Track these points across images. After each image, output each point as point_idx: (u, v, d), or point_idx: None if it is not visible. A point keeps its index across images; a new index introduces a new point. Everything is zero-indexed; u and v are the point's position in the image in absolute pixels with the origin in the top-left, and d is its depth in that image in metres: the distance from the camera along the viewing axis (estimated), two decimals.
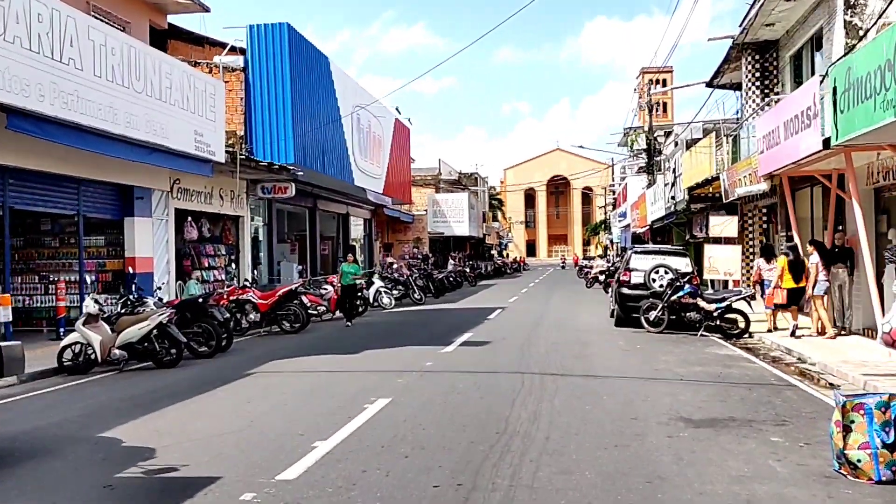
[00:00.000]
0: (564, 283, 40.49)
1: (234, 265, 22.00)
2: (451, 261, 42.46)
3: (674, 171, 27.39)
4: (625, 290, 16.85)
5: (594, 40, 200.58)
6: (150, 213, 16.92)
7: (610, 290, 21.04)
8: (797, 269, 14.96)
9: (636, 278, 16.82)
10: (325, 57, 25.62)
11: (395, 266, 29.70)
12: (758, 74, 20.48)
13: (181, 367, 11.29)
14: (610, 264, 36.85)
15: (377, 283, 24.05)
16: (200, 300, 12.50)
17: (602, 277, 32.17)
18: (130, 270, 15.49)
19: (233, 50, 22.84)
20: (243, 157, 18.17)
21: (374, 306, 23.64)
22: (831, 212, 14.44)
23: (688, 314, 15.64)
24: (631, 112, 39.43)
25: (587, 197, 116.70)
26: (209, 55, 23.95)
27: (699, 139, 25.59)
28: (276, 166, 20.36)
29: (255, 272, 24.42)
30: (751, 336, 15.32)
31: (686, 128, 29.94)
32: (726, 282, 21.56)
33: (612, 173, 60.28)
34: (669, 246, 19.21)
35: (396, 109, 31.35)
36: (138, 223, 16.42)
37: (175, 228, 18.45)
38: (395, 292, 25.46)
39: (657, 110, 49.95)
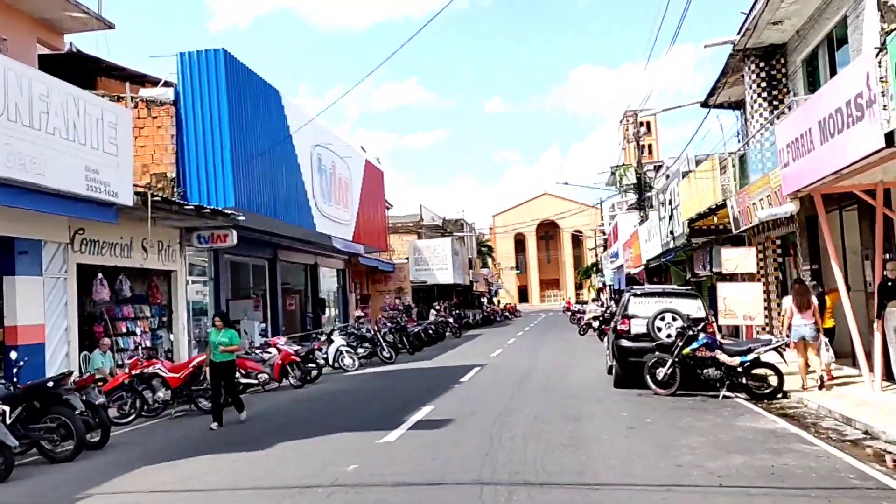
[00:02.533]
0: (556, 331, 37.30)
1: (165, 330, 18.79)
2: (432, 311, 39.26)
3: (670, 202, 24.51)
4: (624, 343, 13.73)
5: (580, 88, 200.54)
6: (39, 270, 13.80)
7: (606, 339, 17.89)
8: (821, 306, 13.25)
9: (637, 327, 13.73)
10: (275, 90, 22.82)
11: (361, 320, 26.48)
12: (763, 85, 17.72)
13: (11, 483, 8.06)
14: (604, 309, 33.71)
15: (337, 340, 20.85)
16: (50, 384, 9.30)
17: (596, 324, 29.01)
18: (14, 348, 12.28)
19: (167, 84, 20.01)
20: (158, 198, 15.14)
21: (336, 368, 20.41)
22: (879, 237, 11.43)
23: (705, 371, 12.52)
24: (617, 145, 36.79)
25: (577, 240, 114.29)
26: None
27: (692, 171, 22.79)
28: (208, 210, 17.30)
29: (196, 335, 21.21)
30: (786, 396, 12.19)
31: (679, 158, 27.15)
32: (736, 327, 18.46)
33: (601, 212, 57.57)
34: (675, 286, 16.13)
35: (362, 148, 28.55)
36: (21, 283, 13.28)
37: (82, 288, 15.33)
38: (360, 350, 22.23)
39: (644, 151, 47.52)
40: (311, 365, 17.92)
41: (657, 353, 13.16)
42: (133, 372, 12.93)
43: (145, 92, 19.89)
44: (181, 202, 16.65)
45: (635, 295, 14.26)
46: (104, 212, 14.07)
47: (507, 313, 71.21)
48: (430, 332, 30.45)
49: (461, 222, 66.24)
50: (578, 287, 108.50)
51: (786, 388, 12.34)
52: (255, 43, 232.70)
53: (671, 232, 24.59)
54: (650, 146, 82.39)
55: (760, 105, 17.67)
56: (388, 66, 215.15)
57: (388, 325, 25.49)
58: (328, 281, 34.65)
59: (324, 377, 18.73)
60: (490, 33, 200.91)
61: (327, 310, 34.12)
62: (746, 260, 14.58)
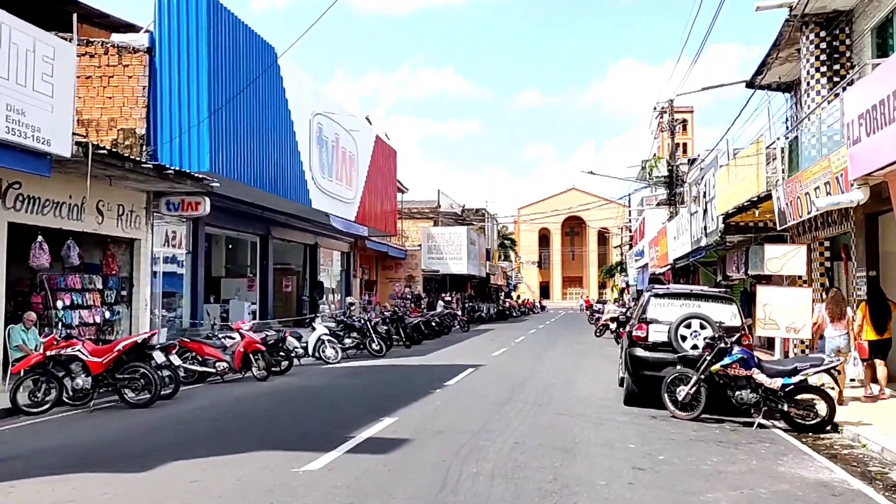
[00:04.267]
0: (571, 331, 34.84)
1: (124, 305, 16.70)
2: (440, 302, 36.95)
3: (703, 195, 21.93)
4: (639, 353, 11.32)
5: (619, 84, 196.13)
6: None
7: (621, 343, 15.46)
8: (881, 315, 11.46)
9: (657, 334, 11.31)
10: (270, 47, 20.58)
11: (353, 307, 24.26)
12: (823, 58, 15.13)
13: None
14: (624, 309, 31.17)
15: (319, 328, 18.61)
16: None
17: (613, 325, 26.53)
18: None
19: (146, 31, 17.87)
20: (104, 151, 12.94)
21: (317, 359, 18.21)
22: None
23: (738, 393, 10.09)
24: (650, 134, 34.11)
25: (603, 237, 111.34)
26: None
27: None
28: (171, 171, 15.12)
29: (166, 314, 19.14)
30: (837, 429, 9.74)
31: (716, 145, 24.47)
32: (769, 340, 15.84)
33: (629, 205, 54.77)
34: (706, 288, 13.66)
35: (367, 120, 26.25)
36: None
37: (16, 252, 13.25)
38: (347, 341, 20.00)
39: (678, 150, 44.57)
40: (280, 355, 15.73)
41: (679, 367, 10.77)
42: (48, 353, 10.78)
43: (117, 37, 17.77)
44: (136, 159, 14.47)
45: (657, 295, 11.81)
46: (34, 162, 11.88)
47: (527, 309, 68.86)
48: (434, 324, 28.14)
49: (483, 212, 63.81)
50: (602, 286, 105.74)
51: (837, 418, 9.89)
52: (294, 24, 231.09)
53: (703, 228, 22.04)
54: (685, 145, 79.38)
55: (818, 81, 15.09)
56: (426, 52, 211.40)
57: (384, 314, 23.19)
58: (331, 264, 32.52)
59: (298, 369, 16.55)
60: (531, 23, 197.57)
61: (331, 295, 32.01)
62: (795, 260, 12.09)
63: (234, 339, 14.96)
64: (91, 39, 17.35)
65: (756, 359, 10.24)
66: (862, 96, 9.33)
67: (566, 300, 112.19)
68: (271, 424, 9.46)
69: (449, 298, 42.63)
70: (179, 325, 19.64)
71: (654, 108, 32.90)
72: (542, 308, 69.91)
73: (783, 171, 15.14)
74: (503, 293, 69.60)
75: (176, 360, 12.00)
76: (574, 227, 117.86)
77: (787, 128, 18.04)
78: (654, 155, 34.56)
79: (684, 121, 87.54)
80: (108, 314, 16.15)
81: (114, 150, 13.85)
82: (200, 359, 14.40)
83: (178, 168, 15.73)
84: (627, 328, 12.76)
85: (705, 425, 9.98)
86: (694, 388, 10.34)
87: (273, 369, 15.49)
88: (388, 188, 34.01)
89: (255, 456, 7.35)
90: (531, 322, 46.83)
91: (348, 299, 26.64)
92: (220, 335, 15.36)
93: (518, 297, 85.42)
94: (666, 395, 10.57)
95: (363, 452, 7.50)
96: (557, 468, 7.08)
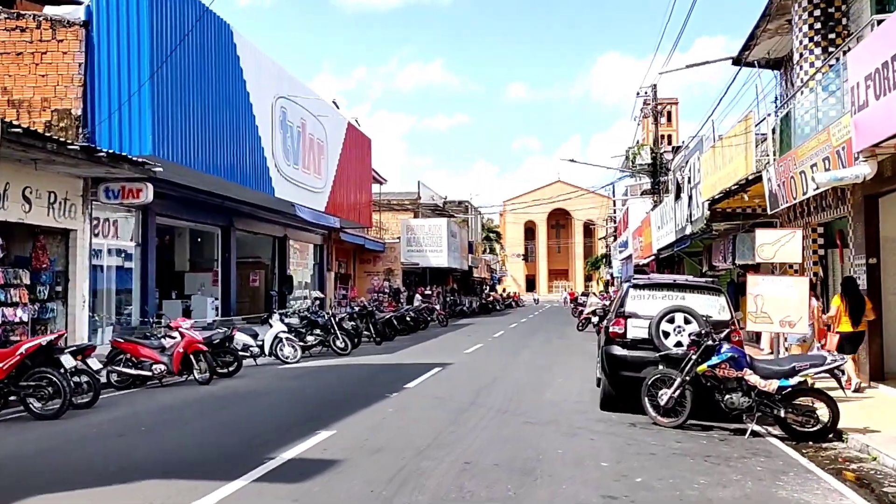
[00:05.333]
0: (553, 324, 33.61)
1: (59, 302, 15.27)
2: (418, 296, 35.63)
3: (688, 180, 20.72)
4: (617, 351, 10.03)
5: (606, 77, 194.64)
6: None
7: (598, 340, 14.15)
8: (857, 307, 11.06)
9: (636, 330, 10.02)
10: (225, 24, 19.14)
11: (317, 302, 22.89)
12: (818, 26, 13.90)
13: None
14: (608, 302, 29.93)
15: (276, 326, 17.23)
16: None
17: (596, 319, 25.31)
18: None
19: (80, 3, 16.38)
20: (18, 129, 11.49)
21: (277, 359, 16.84)
22: None
23: (728, 396, 8.84)
24: (633, 121, 32.88)
25: (589, 230, 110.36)
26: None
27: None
28: (103, 154, 13.68)
29: (104, 314, 17.65)
30: (841, 437, 8.51)
31: (702, 127, 23.22)
32: (758, 335, 14.60)
33: (613, 194, 53.61)
34: (691, 277, 12.38)
35: (334, 104, 24.83)
36: None
37: None
38: (310, 338, 18.64)
39: (662, 142, 43.29)
40: (229, 356, 14.37)
41: (661, 367, 9.51)
42: None
43: (51, 10, 16.29)
44: (61, 140, 13.03)
45: (636, 286, 10.51)
46: None
47: (513, 302, 67.65)
48: (408, 319, 26.83)
49: (466, 204, 62.56)
50: (588, 278, 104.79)
51: (841, 424, 8.67)
52: (280, 20, 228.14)
53: (688, 216, 20.83)
54: (670, 137, 78.38)
55: (811, 52, 13.86)
56: (414, 46, 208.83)
57: (352, 309, 21.85)
58: (302, 257, 31.09)
59: (251, 370, 15.20)
60: (518, 16, 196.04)
61: (304, 290, 30.54)
62: (789, 246, 10.82)
63: (174, 338, 13.56)
64: (22, 13, 15.87)
65: (748, 357, 8.99)
66: (870, 54, 8.07)
67: (552, 293, 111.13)
68: (186, 440, 8.12)
69: (429, 292, 41.36)
70: (128, 323, 18.23)
71: (637, 94, 31.65)
72: (517, 304, 68.42)
73: (774, 152, 13.91)
74: (487, 286, 68.35)
75: (94, 364, 10.63)
76: (560, 219, 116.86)
77: (777, 107, 16.81)
78: (638, 142, 33.34)
79: (669, 112, 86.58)
80: (39, 312, 14.76)
81: (32, 129, 12.37)
82: (136, 361, 13.03)
83: (112, 151, 14.31)
84: (604, 323, 11.47)
85: (691, 434, 8.73)
86: (678, 392, 9.09)
87: (220, 371, 14.17)
88: (363, 178, 32.59)
89: (141, 488, 6.00)
90: (514, 316, 45.62)
91: (314, 294, 25.26)
92: (160, 335, 13.94)
93: (504, 290, 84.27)
94: (646, 399, 9.31)
95: (275, 481, 6.17)
96: (510, 499, 5.77)
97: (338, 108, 26.29)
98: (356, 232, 36.02)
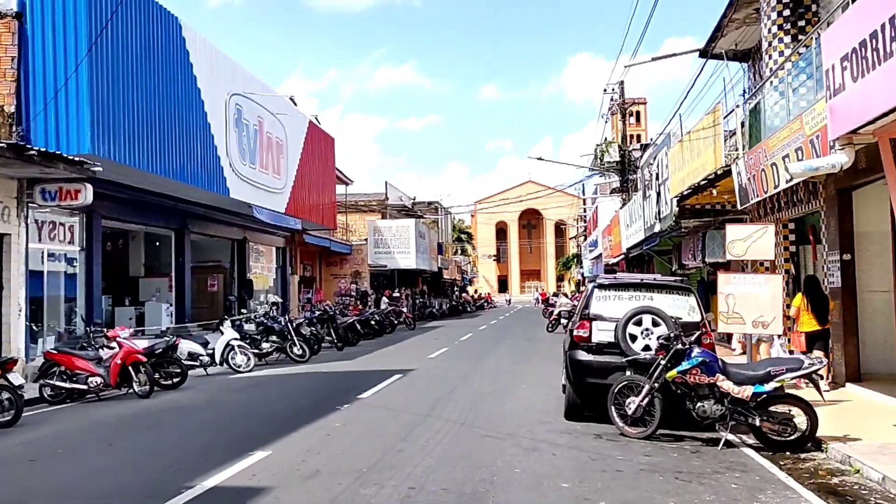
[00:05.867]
0: (522, 327, 32.98)
1: None
2: (384, 299, 34.82)
3: (656, 177, 20.19)
4: (581, 357, 9.35)
5: (577, 78, 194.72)
6: None
7: (563, 344, 13.46)
8: (821, 305, 11.13)
9: (601, 333, 9.35)
10: (173, 17, 18.22)
11: (276, 307, 22.01)
12: (787, 13, 13.38)
13: None
14: (577, 303, 29.37)
15: (227, 333, 16.35)
16: None
17: (565, 321, 24.71)
18: None
19: None
20: None
21: (228, 368, 15.96)
22: None
23: (700, 404, 8.21)
24: (601, 119, 32.40)
25: (560, 230, 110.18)
26: None
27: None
28: (34, 152, 12.75)
29: (50, 323, 16.68)
30: (820, 447, 7.92)
31: (669, 122, 22.71)
32: (728, 336, 13.96)
33: (583, 192, 53.23)
34: (659, 276, 11.76)
35: (292, 100, 23.94)
36: None
37: None
38: (266, 345, 17.80)
39: (631, 141, 42.86)
40: (174, 367, 13.50)
41: (629, 373, 8.88)
42: None
43: None
44: None
45: (601, 287, 9.84)
46: None
47: (485, 303, 67.05)
48: (373, 323, 26.04)
49: (436, 205, 61.82)
50: (560, 278, 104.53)
51: (820, 432, 8.08)
52: (251, 21, 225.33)
53: (657, 213, 20.31)
54: (639, 137, 78.41)
55: (781, 41, 13.35)
56: (386, 48, 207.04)
57: (310, 313, 21.03)
58: (263, 260, 30.13)
59: (199, 380, 14.35)
60: (490, 17, 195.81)
61: (269, 295, 29.52)
62: (761, 241, 10.24)
63: (111, 348, 12.64)
64: None
65: (721, 362, 8.37)
66: (846, 33, 7.48)
67: (525, 293, 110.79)
68: (103, 465, 7.30)
69: (397, 295, 40.56)
70: (74, 333, 17.25)
71: (605, 91, 31.17)
72: (489, 305, 67.92)
73: (744, 145, 13.37)
74: (458, 288, 67.67)
75: (16, 379, 9.71)
76: (531, 219, 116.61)
77: (745, 99, 16.32)
78: (606, 139, 32.86)
79: (637, 112, 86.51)
80: None
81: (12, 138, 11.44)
82: (70, 374, 12.12)
83: (43, 149, 13.37)
84: (569, 327, 10.80)
85: (661, 446, 8.08)
86: (646, 400, 8.44)
87: (164, 383, 13.30)
88: (326, 178, 31.73)
89: None
90: (484, 317, 44.99)
91: (271, 298, 24.33)
92: (98, 345, 13.00)
93: (476, 291, 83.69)
94: (613, 409, 8.65)
95: None
96: None
97: (295, 104, 25.37)
98: (321, 234, 35.12)
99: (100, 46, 15.08)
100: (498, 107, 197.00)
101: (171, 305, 22.32)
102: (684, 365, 8.20)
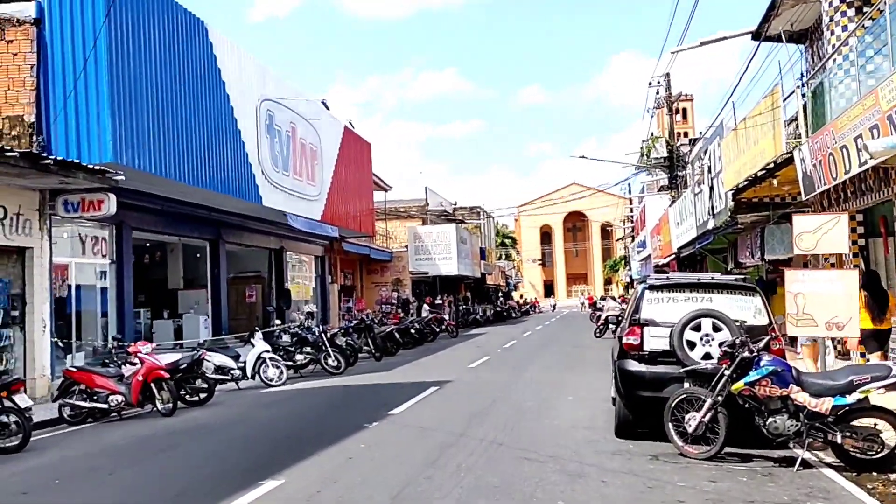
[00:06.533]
0: (569, 332, 31.86)
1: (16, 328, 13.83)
2: (425, 306, 34.02)
3: (708, 170, 18.99)
4: (632, 367, 8.35)
5: (621, 77, 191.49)
6: None
7: (612, 353, 12.38)
8: (881, 303, 10.31)
9: (655, 341, 8.34)
10: (199, 20, 17.71)
11: (309, 317, 21.31)
12: None
13: None
14: (626, 305, 28.16)
15: (259, 345, 15.68)
16: None
17: (613, 327, 23.57)
18: None
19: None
20: None
21: (261, 382, 15.28)
22: None
23: (771, 419, 7.16)
24: (646, 113, 31.15)
25: (606, 232, 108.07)
26: None
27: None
28: (50, 161, 12.25)
29: (83, 339, 16.23)
30: None
31: (721, 111, 21.41)
32: (793, 339, 12.71)
33: (629, 191, 51.77)
34: (718, 275, 10.64)
35: (323, 104, 23.35)
36: None
37: None
38: (299, 357, 17.11)
39: (678, 139, 41.35)
40: (199, 382, 12.85)
41: (687, 384, 7.87)
42: None
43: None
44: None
45: (653, 288, 8.84)
46: None
47: (530, 308, 65.94)
48: (413, 331, 25.24)
49: (478, 210, 60.93)
50: (607, 282, 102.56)
51: None
52: (295, 33, 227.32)
53: (710, 209, 19.09)
54: (686, 134, 76.44)
55: (844, 14, 12.16)
56: (426, 55, 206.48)
57: (349, 323, 20.31)
58: (302, 269, 29.60)
59: (229, 395, 13.73)
60: (529, 19, 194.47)
61: (305, 305, 28.96)
62: (833, 233, 9.10)
63: (133, 364, 12.02)
64: None
65: (794, 371, 7.31)
66: None
67: (571, 298, 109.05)
68: (95, 499, 6.56)
69: (439, 302, 39.75)
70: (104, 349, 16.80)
71: (650, 84, 29.92)
72: (534, 310, 66.82)
73: (807, 127, 12.21)
74: (502, 293, 66.61)
75: (23, 401, 9.10)
76: (576, 222, 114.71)
77: (806, 79, 15.09)
78: (652, 135, 31.59)
79: (684, 109, 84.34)
80: None
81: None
82: (90, 392, 11.53)
83: (62, 158, 12.88)
84: (617, 334, 9.81)
85: (727, 468, 7.07)
86: (709, 415, 7.42)
87: (191, 399, 12.67)
88: (363, 185, 31.06)
89: None
90: (529, 323, 43.90)
91: (305, 308, 23.67)
92: (120, 361, 12.40)
93: (521, 296, 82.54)
94: (671, 425, 7.65)
95: None
96: None
97: (327, 108, 24.76)
98: (361, 241, 34.50)
99: (120, 52, 14.60)
100: (540, 109, 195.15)
101: (208, 318, 21.85)
102: (752, 375, 7.16)
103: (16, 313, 13.92)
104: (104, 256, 16.96)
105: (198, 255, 23.15)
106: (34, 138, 14.20)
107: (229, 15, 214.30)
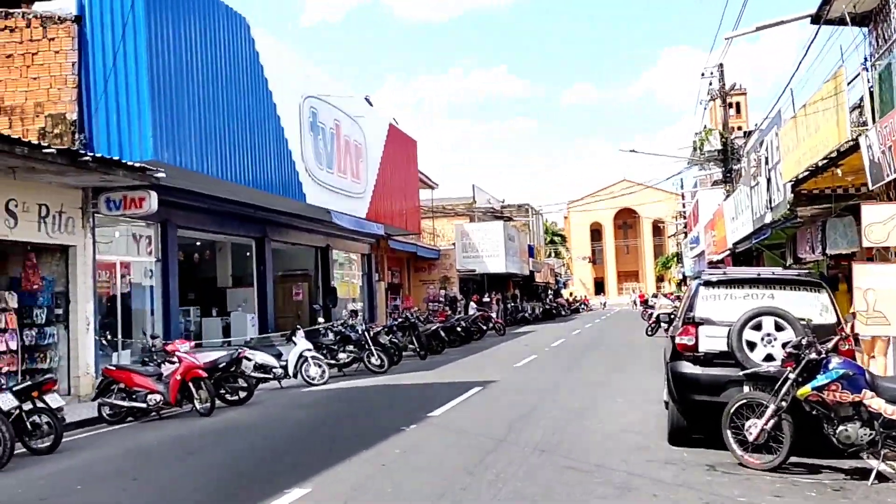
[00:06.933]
0: (619, 330, 31.08)
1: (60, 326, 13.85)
2: (472, 304, 33.56)
3: (765, 161, 18.11)
4: (686, 369, 7.77)
5: (672, 72, 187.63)
6: None
7: (664, 353, 11.70)
8: None
9: (711, 341, 7.73)
10: (240, 17, 17.58)
11: (355, 316, 21.02)
12: None
13: None
14: (679, 303, 27.27)
15: (300, 344, 15.43)
16: None
17: (665, 325, 22.78)
18: None
19: None
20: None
21: (303, 381, 15.04)
22: None
23: (842, 428, 6.53)
24: (699, 105, 30.14)
25: (658, 229, 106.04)
26: None
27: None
28: (88, 158, 12.17)
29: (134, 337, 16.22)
30: None
31: (779, 99, 20.45)
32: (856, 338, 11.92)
33: (682, 186, 50.47)
34: (779, 270, 9.92)
35: (367, 101, 23.07)
36: None
37: None
38: (342, 356, 16.85)
39: (731, 133, 40.03)
40: (239, 381, 12.63)
41: (747, 388, 7.27)
42: None
43: (40, 5, 14.96)
44: (33, 143, 11.54)
45: (709, 284, 8.23)
46: None
47: (581, 306, 65.02)
48: (459, 329, 24.81)
49: (526, 207, 60.28)
50: (659, 279, 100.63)
51: None
52: (346, 36, 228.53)
53: (767, 202, 18.22)
54: (739, 128, 74.38)
55: None
56: (477, 54, 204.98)
57: (393, 321, 19.98)
58: (349, 267, 29.44)
59: (270, 394, 13.54)
60: (579, 15, 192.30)
61: (349, 303, 28.80)
62: None
63: (172, 363, 11.85)
64: (10, 11, 14.57)
65: (867, 374, 6.66)
66: None
67: (622, 295, 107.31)
68: None
69: (487, 300, 39.28)
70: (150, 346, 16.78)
71: (703, 75, 28.94)
72: (584, 308, 65.77)
73: (873, 111, 11.40)
74: (551, 291, 65.76)
75: (54, 402, 8.94)
76: (627, 219, 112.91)
77: (869, 67, 14.17)
78: (705, 127, 30.57)
79: (738, 104, 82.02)
80: (37, 338, 13.36)
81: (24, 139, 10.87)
82: (129, 391, 11.40)
83: (101, 155, 12.80)
84: (670, 333, 9.21)
85: (792, 480, 6.47)
86: (772, 422, 6.81)
87: (230, 398, 12.47)
88: (409, 182, 30.75)
89: None
90: (578, 321, 43.12)
91: (349, 306, 23.42)
92: (159, 360, 12.25)
93: (570, 294, 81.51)
94: (729, 433, 7.06)
95: None
96: None
97: (371, 104, 24.48)
98: (408, 239, 34.22)
99: (160, 49, 14.49)
100: (589, 105, 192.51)
101: (254, 315, 21.77)
102: (821, 379, 6.54)
103: (59, 311, 13.96)
104: (150, 254, 16.95)
105: (247, 254, 23.12)
106: (76, 136, 14.17)
107: (280, 19, 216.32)
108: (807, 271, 8.98)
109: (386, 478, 6.70)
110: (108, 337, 15.38)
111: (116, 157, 13.20)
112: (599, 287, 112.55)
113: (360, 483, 6.52)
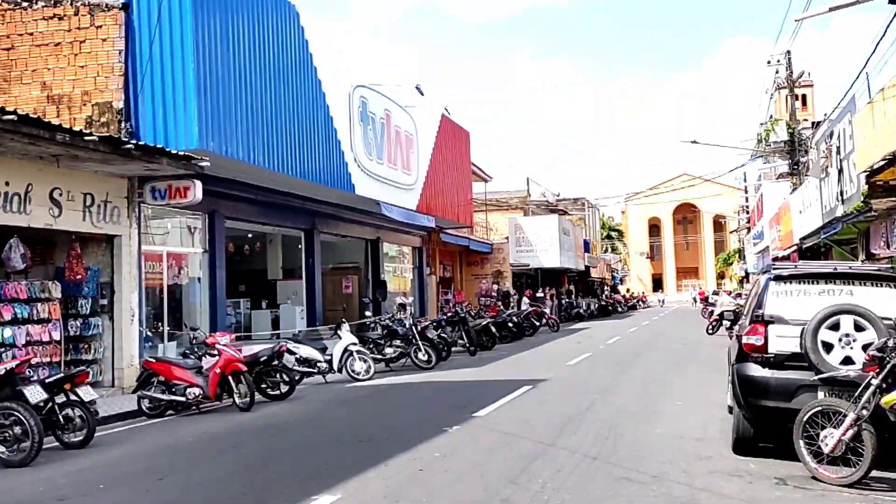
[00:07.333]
0: (678, 328, 30.01)
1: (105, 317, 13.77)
2: (525, 299, 32.89)
3: (837, 150, 17.05)
4: (754, 372, 7.06)
5: (733, 63, 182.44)
6: None
7: (728, 355, 10.90)
8: None
9: (782, 341, 7.01)
10: (290, 5, 17.31)
11: (404, 310, 20.55)
12: None
13: None
14: (742, 301, 26.14)
15: (345, 338, 15.06)
16: None
17: (728, 323, 21.76)
18: None
19: None
20: (12, 117, 9.83)
21: (348, 375, 14.68)
22: None
23: None
24: (765, 94, 28.87)
25: (719, 224, 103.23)
26: None
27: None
28: (131, 146, 11.98)
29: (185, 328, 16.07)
30: None
31: (852, 85, 19.24)
32: None
33: (745, 179, 48.71)
34: (857, 264, 9.08)
35: (418, 89, 22.61)
36: None
37: None
38: (389, 350, 16.45)
39: (797, 126, 38.32)
40: (279, 376, 12.31)
41: (822, 394, 6.54)
42: None
43: None
44: (76, 130, 11.38)
45: (779, 279, 7.49)
46: None
47: (638, 303, 63.64)
48: (510, 324, 24.22)
49: (582, 201, 59.24)
50: (720, 276, 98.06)
51: None
52: (401, 38, 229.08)
53: (838, 194, 17.17)
54: (806, 120, 71.65)
55: None
56: (534, 48, 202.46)
57: (443, 315, 19.52)
58: (399, 260, 29.07)
59: (314, 388, 13.24)
60: (639, 6, 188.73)
61: (399, 297, 28.44)
62: None
63: (213, 355, 11.59)
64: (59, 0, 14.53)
65: None
66: None
67: (681, 292, 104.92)
68: None
69: (540, 295, 38.57)
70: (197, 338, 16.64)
71: (769, 63, 27.66)
72: (642, 305, 64.31)
73: None
74: (608, 287, 64.51)
75: (87, 395, 8.69)
76: (686, 214, 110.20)
77: None
78: (771, 117, 29.27)
79: (804, 96, 79.09)
80: (81, 329, 13.30)
81: (32, 115, 10.67)
82: (168, 384, 11.17)
83: (143, 143, 12.61)
84: (735, 331, 8.48)
85: (874, 498, 5.78)
86: (851, 432, 6.10)
87: (272, 393, 12.16)
88: (461, 174, 30.22)
89: None
90: (635, 318, 42.03)
91: (397, 300, 23.00)
92: (200, 352, 12.01)
93: (628, 290, 79.96)
94: (802, 443, 6.37)
95: None
96: None
97: (422, 94, 24.02)
98: (460, 233, 33.72)
99: (207, 37, 14.28)
100: (650, 97, 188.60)
101: (303, 308, 21.58)
102: None
103: (104, 302, 13.88)
104: (198, 245, 16.82)
105: (298, 246, 22.95)
106: (122, 125, 14.05)
107: (334, 19, 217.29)
108: (889, 266, 8.13)
109: (421, 485, 6.20)
110: (158, 327, 15.33)
111: (160, 146, 13.03)
112: (657, 284, 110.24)
113: (393, 490, 6.02)
